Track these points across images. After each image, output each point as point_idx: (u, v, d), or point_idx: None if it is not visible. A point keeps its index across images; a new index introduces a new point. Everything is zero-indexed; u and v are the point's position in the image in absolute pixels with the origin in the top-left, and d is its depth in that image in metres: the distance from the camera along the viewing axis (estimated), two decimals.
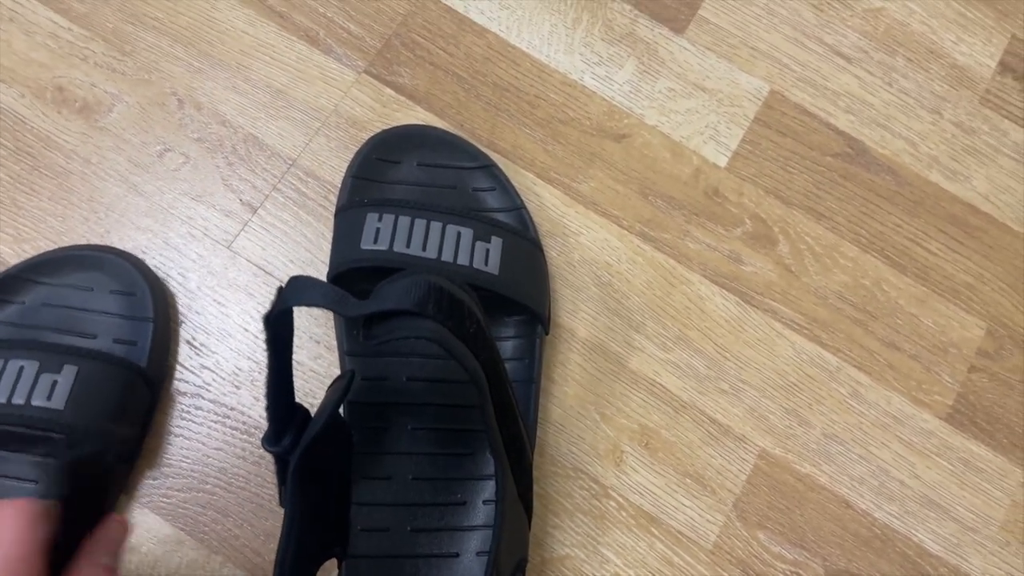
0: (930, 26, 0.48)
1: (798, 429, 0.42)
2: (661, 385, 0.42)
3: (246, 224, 0.43)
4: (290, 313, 0.33)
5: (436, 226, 0.39)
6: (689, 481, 0.41)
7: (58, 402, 0.35)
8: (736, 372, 0.43)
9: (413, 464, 0.38)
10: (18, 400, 0.35)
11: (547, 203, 0.45)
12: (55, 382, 0.36)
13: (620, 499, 0.41)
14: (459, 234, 0.39)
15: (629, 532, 0.40)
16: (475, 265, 0.39)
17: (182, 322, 0.41)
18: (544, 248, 0.43)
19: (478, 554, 0.37)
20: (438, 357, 0.40)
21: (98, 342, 0.38)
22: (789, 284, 0.44)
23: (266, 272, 0.43)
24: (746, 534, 0.41)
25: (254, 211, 0.43)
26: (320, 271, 0.42)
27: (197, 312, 0.42)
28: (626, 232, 0.45)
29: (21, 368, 0.36)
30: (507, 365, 0.39)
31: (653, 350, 0.43)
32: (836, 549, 0.41)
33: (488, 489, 0.38)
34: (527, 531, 0.37)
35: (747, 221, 0.45)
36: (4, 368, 0.36)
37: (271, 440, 0.34)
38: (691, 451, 0.42)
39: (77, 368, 0.36)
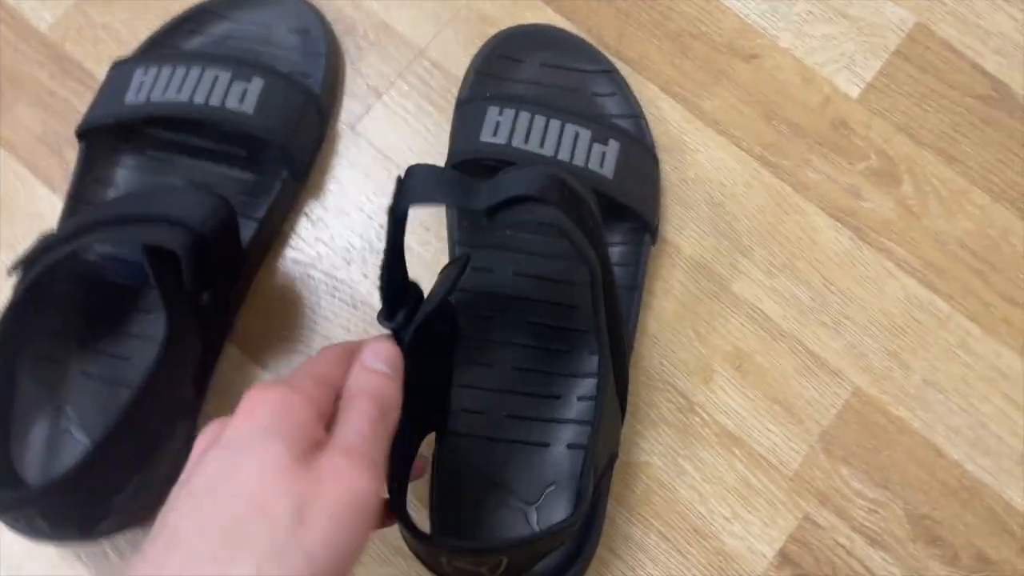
0: None
1: (897, 372, 0.41)
2: (761, 311, 0.42)
3: (370, 108, 0.44)
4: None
5: (555, 124, 0.39)
6: (777, 408, 0.41)
7: (248, 107, 0.39)
8: (840, 307, 0.42)
9: (514, 354, 0.40)
10: (214, 103, 0.39)
11: (667, 117, 0.44)
12: (246, 90, 0.39)
13: (705, 416, 0.41)
14: (577, 134, 0.39)
15: (710, 448, 0.41)
16: (590, 167, 0.39)
17: (302, 197, 0.43)
18: (659, 161, 0.42)
19: (568, 446, 0.39)
20: (545, 256, 0.40)
21: None
22: (908, 225, 0.43)
23: (385, 156, 0.44)
24: (828, 467, 0.41)
25: (379, 96, 0.44)
26: (438, 161, 0.43)
27: (317, 188, 0.43)
28: (745, 154, 0.44)
29: (216, 77, 0.39)
30: None
31: (758, 275, 0.43)
32: (920, 495, 0.40)
33: (582, 386, 0.39)
34: (620, 428, 0.38)
35: (872, 156, 0.44)
36: (202, 74, 0.39)
37: (387, 315, 0.35)
38: (783, 379, 0.41)
39: (264, 81, 0.40)
